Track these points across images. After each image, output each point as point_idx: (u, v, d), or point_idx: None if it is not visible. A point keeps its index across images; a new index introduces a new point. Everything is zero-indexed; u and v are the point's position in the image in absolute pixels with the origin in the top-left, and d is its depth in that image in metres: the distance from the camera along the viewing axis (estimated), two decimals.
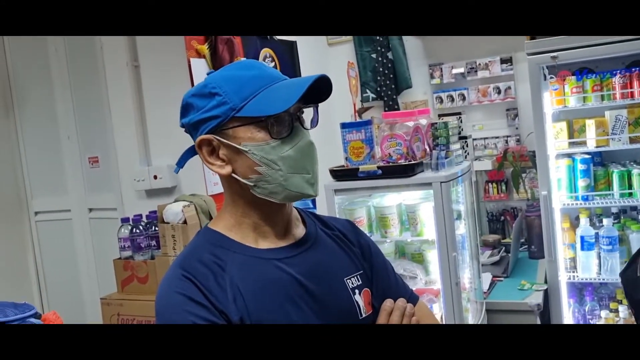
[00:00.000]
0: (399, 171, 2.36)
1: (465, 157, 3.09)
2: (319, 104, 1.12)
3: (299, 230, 1.15)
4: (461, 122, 3.80)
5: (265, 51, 3.37)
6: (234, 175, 1.06)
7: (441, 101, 3.93)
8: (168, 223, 2.49)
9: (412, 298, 1.24)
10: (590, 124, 2.95)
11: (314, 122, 1.13)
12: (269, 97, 1.02)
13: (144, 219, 2.66)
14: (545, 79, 3.00)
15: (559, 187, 3.04)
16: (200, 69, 2.76)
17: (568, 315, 3.06)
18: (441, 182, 2.30)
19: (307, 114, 1.13)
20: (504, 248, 3.52)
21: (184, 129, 1.12)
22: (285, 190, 1.05)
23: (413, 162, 2.37)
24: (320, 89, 1.07)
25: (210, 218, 2.54)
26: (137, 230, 2.61)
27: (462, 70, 3.87)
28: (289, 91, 1.01)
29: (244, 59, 1.07)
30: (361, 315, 1.13)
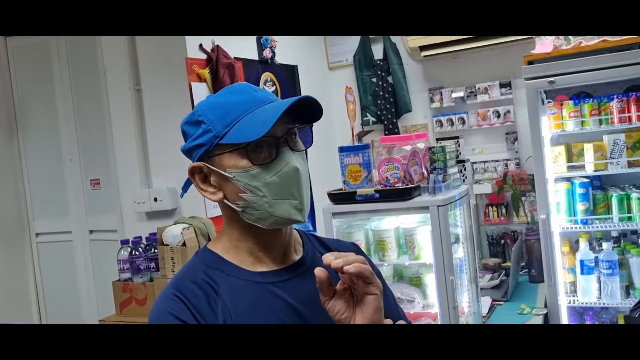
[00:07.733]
0: (396, 195, 2.37)
1: (464, 181, 3.10)
2: (315, 125, 1.09)
3: (297, 254, 1.14)
4: (459, 146, 3.82)
5: (266, 75, 3.42)
6: (225, 201, 1.06)
7: (441, 125, 3.96)
8: (167, 245, 2.51)
9: None
10: (589, 148, 2.96)
11: (307, 142, 1.10)
12: (248, 123, 1.01)
13: (144, 241, 2.68)
14: (543, 103, 3.02)
15: (558, 210, 3.04)
16: (201, 93, 2.80)
17: None
18: (438, 206, 2.31)
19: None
20: (504, 272, 3.50)
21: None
22: (272, 217, 1.04)
23: (410, 185, 2.38)
24: (310, 108, 1.05)
25: (209, 240, 2.56)
26: (137, 253, 2.62)
27: (461, 94, 3.90)
28: (267, 116, 0.98)
29: (238, 82, 1.04)
30: None
